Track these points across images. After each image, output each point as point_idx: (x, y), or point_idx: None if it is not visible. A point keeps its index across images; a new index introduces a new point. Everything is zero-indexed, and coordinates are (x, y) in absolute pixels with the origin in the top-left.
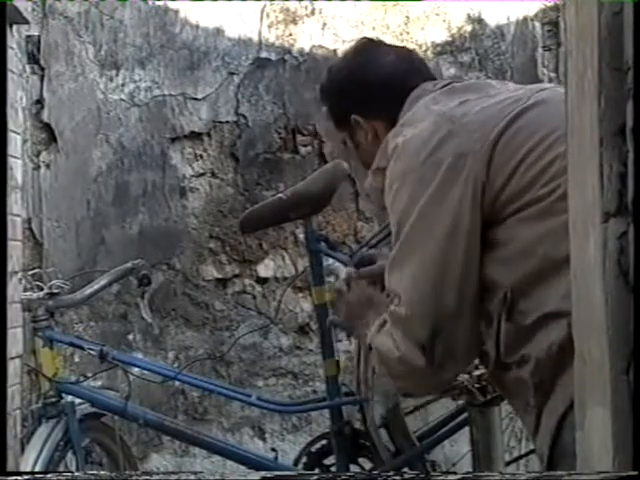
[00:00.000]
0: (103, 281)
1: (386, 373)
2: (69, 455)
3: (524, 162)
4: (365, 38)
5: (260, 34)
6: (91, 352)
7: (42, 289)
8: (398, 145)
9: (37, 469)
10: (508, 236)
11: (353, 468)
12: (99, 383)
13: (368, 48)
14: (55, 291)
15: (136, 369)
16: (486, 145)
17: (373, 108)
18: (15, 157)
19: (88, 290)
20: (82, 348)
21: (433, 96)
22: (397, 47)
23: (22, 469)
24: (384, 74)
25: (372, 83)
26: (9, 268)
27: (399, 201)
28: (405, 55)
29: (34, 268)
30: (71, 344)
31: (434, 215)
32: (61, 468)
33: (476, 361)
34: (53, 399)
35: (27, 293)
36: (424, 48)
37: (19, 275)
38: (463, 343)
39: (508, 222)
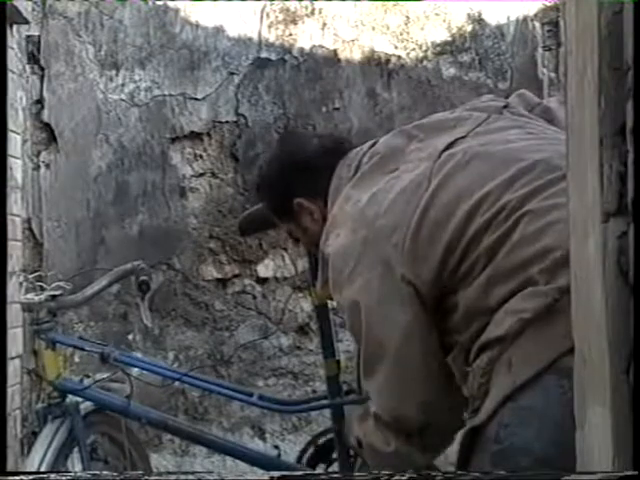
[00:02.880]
0: (103, 282)
1: (380, 465)
2: (74, 454)
3: (453, 240)
4: (286, 130)
5: (260, 34)
6: (93, 354)
7: (43, 290)
8: (329, 255)
9: (43, 470)
10: (454, 304)
11: None
12: (104, 375)
13: (291, 137)
14: (56, 293)
15: (137, 369)
16: (406, 246)
17: (311, 188)
18: (15, 157)
19: (89, 291)
20: (84, 350)
21: (346, 193)
22: (317, 133)
23: (28, 470)
24: (312, 153)
25: (304, 165)
26: (9, 268)
27: (349, 308)
28: (327, 136)
29: (34, 268)
30: (73, 346)
31: (381, 327)
32: (65, 468)
33: None
34: (57, 400)
35: (29, 295)
36: (424, 48)
37: (20, 276)
38: (449, 418)
39: (454, 295)
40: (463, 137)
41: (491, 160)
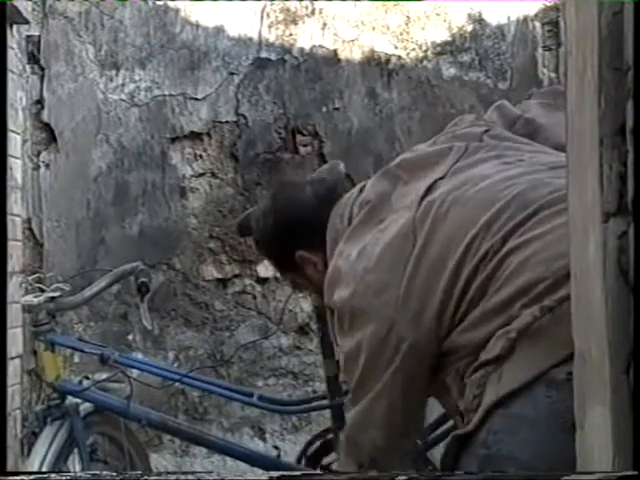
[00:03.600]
0: (103, 282)
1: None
2: (74, 455)
3: (446, 295)
4: (279, 182)
5: (260, 34)
6: (92, 356)
7: (43, 291)
8: (335, 307)
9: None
10: (453, 346)
11: None
12: (103, 376)
13: (283, 189)
14: (56, 294)
15: (136, 370)
16: (399, 306)
17: (312, 240)
18: (15, 157)
19: (88, 292)
20: (83, 351)
21: (340, 248)
22: (310, 180)
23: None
24: (308, 206)
25: (301, 219)
26: (9, 268)
27: (347, 358)
28: (319, 182)
29: (34, 268)
30: (72, 348)
31: (371, 379)
32: (65, 469)
33: None
34: (57, 401)
35: (28, 297)
36: (424, 48)
37: (20, 277)
38: (399, 458)
39: (452, 339)
40: (442, 178)
41: (468, 205)
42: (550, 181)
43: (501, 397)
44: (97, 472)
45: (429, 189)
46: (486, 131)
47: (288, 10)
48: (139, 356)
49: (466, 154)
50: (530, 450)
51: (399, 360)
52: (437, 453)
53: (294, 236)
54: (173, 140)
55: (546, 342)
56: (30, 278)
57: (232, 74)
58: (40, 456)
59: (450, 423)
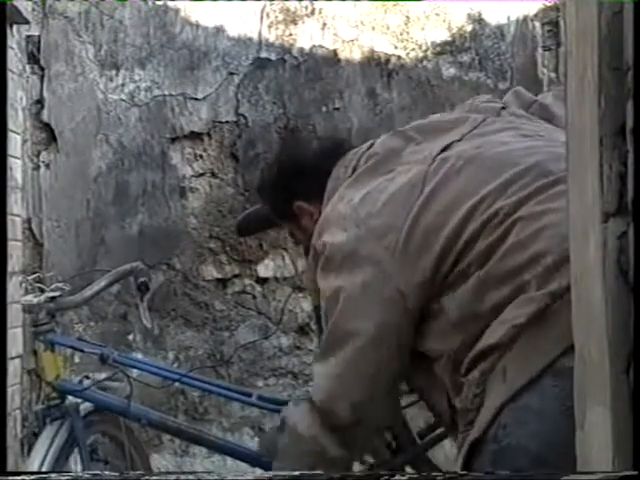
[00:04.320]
0: (103, 282)
1: (289, 450)
2: (74, 454)
3: (446, 245)
4: (287, 132)
5: (260, 34)
6: (92, 355)
7: (43, 291)
8: (320, 250)
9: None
10: (441, 309)
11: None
12: (103, 376)
13: (291, 140)
14: (55, 294)
15: (136, 370)
16: (398, 250)
17: (311, 191)
18: (15, 157)
19: (88, 292)
20: (83, 351)
21: (340, 192)
22: (318, 135)
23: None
24: (312, 156)
25: (303, 168)
26: (9, 268)
27: (330, 294)
28: (327, 138)
29: (34, 268)
30: (72, 347)
31: (354, 318)
32: (66, 469)
33: None
34: (57, 401)
35: (28, 297)
36: (424, 48)
37: (20, 277)
38: (377, 422)
39: (442, 298)
40: (458, 140)
41: (485, 165)
42: None
43: (513, 394)
44: (98, 472)
45: (445, 148)
46: (503, 108)
47: (288, 10)
48: (139, 356)
49: (484, 123)
50: (539, 440)
51: (390, 304)
52: (437, 453)
53: (295, 185)
54: (173, 140)
55: (552, 331)
56: (30, 278)
57: (232, 74)
58: (40, 456)
59: None
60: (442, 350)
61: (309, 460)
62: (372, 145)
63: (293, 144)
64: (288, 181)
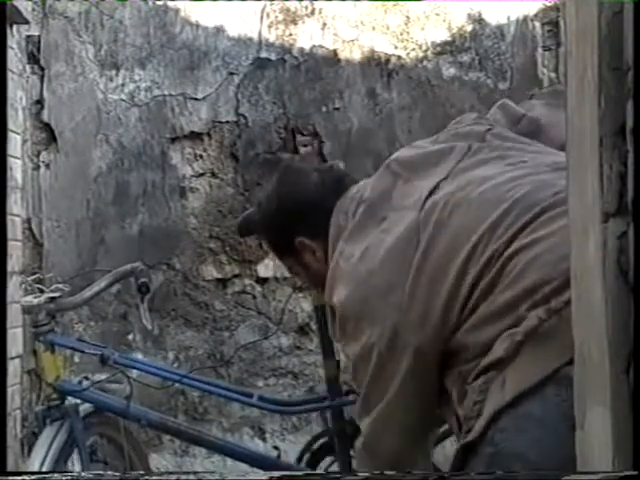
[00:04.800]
0: (103, 283)
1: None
2: (73, 455)
3: (450, 296)
4: (285, 165)
5: (260, 34)
6: (92, 356)
7: (43, 291)
8: (335, 306)
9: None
10: (457, 346)
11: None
12: (103, 376)
13: (290, 173)
14: (56, 294)
15: (136, 371)
16: (404, 307)
17: (313, 227)
18: (15, 157)
19: (88, 292)
20: (83, 352)
21: (341, 247)
22: (317, 167)
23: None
24: (313, 192)
25: (304, 204)
26: (9, 268)
27: (356, 361)
28: (326, 171)
29: (34, 268)
30: (72, 348)
31: (382, 383)
32: (66, 469)
33: None
34: (56, 401)
35: (28, 297)
36: (424, 48)
37: (19, 277)
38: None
39: (454, 338)
40: (445, 178)
41: (471, 208)
42: (554, 182)
43: (508, 401)
44: (100, 472)
45: (432, 190)
46: (488, 130)
47: (288, 10)
48: (139, 356)
49: (469, 154)
50: (538, 449)
51: (408, 362)
52: (437, 453)
53: (296, 221)
54: (173, 140)
55: (554, 343)
56: (30, 278)
57: (232, 74)
58: (40, 456)
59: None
60: (455, 371)
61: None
62: (366, 186)
63: (292, 178)
64: (290, 217)
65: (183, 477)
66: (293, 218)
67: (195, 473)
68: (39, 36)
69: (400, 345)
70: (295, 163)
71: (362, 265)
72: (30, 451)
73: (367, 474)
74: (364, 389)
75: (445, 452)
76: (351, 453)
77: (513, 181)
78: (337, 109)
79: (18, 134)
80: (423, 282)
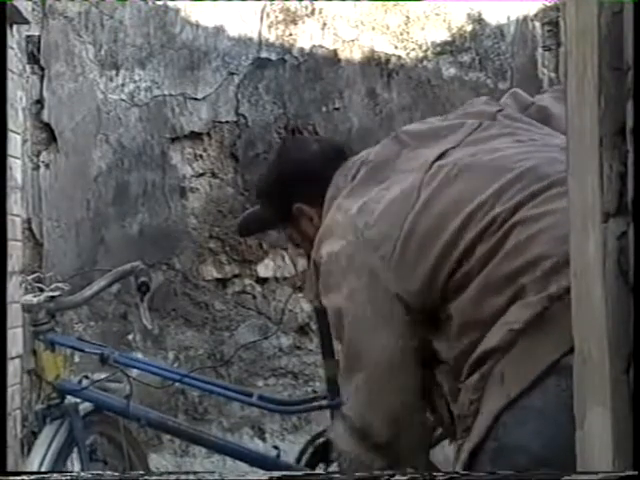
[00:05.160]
0: (102, 282)
1: (349, 468)
2: (73, 454)
3: (444, 253)
4: (287, 134)
5: (260, 34)
6: (92, 355)
7: (42, 291)
8: (320, 263)
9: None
10: (448, 317)
11: None
12: (103, 375)
13: (292, 142)
14: (55, 294)
15: (136, 370)
16: (394, 258)
17: (311, 194)
18: (15, 157)
19: (88, 292)
20: (83, 351)
21: (338, 203)
22: (318, 138)
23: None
24: (313, 159)
25: (304, 171)
26: (9, 268)
27: (334, 313)
28: (327, 141)
29: (34, 268)
30: (72, 347)
31: (362, 341)
32: (65, 469)
33: None
34: (56, 401)
35: (28, 297)
36: (424, 48)
37: (19, 277)
38: (420, 436)
39: (448, 306)
40: (453, 147)
41: (480, 172)
42: (564, 161)
43: (512, 398)
44: (100, 472)
45: (441, 155)
46: (499, 111)
47: (288, 10)
48: (139, 356)
49: (479, 129)
50: (540, 440)
51: (391, 316)
52: (437, 454)
53: (295, 187)
54: (173, 140)
55: (553, 333)
56: (30, 278)
57: (232, 74)
58: (40, 456)
59: None
60: (446, 358)
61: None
62: (369, 153)
63: (293, 146)
64: (289, 183)
65: (183, 477)
66: (292, 184)
67: (195, 473)
68: (39, 36)
69: (385, 296)
70: (297, 134)
71: (359, 218)
72: (30, 451)
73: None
74: (345, 346)
75: (445, 452)
76: None
77: (524, 154)
78: (337, 109)
79: (18, 134)
80: (417, 236)
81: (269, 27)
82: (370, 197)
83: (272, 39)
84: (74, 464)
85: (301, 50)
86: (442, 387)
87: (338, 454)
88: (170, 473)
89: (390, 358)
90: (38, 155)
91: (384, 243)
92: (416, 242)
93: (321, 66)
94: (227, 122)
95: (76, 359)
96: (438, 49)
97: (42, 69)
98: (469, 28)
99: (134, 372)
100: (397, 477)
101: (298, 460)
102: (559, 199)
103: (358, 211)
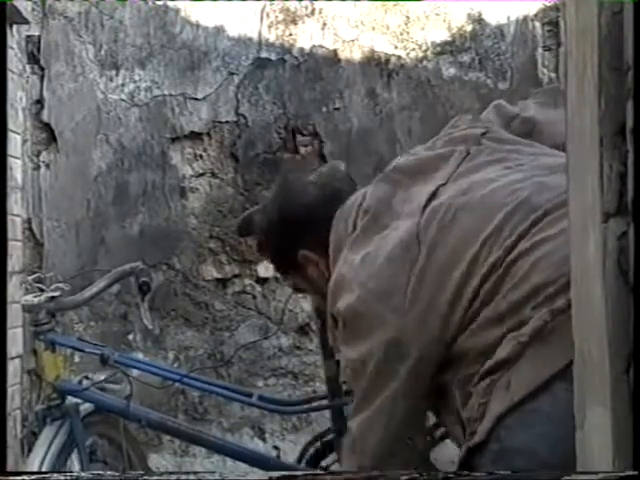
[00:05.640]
0: (103, 282)
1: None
2: (73, 455)
3: (454, 300)
4: (282, 176)
5: (260, 34)
6: (92, 356)
7: (43, 291)
8: (337, 317)
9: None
10: (460, 350)
11: None
12: (103, 376)
13: (287, 187)
14: (56, 294)
15: (136, 370)
16: (404, 311)
17: (314, 239)
18: (15, 157)
19: (88, 292)
20: (83, 351)
21: (344, 255)
22: (314, 180)
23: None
24: (313, 205)
25: (306, 217)
26: (9, 268)
27: (352, 368)
28: (324, 185)
29: (34, 268)
30: (73, 347)
31: (377, 388)
32: (65, 469)
33: None
34: (56, 401)
35: (28, 297)
36: (424, 48)
37: (20, 277)
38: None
39: (457, 342)
40: (444, 184)
41: (475, 213)
42: (554, 185)
43: (516, 401)
44: (100, 472)
45: (432, 196)
46: (484, 133)
47: (288, 10)
48: (139, 356)
49: (467, 159)
50: (546, 443)
51: (406, 367)
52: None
53: (298, 235)
54: (173, 140)
55: (560, 342)
56: (30, 277)
57: (232, 74)
58: (40, 456)
59: None
60: (458, 375)
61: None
62: (365, 194)
63: (291, 192)
64: (292, 232)
65: (183, 477)
66: (295, 232)
67: (195, 473)
68: (39, 36)
69: (400, 350)
70: (290, 176)
71: (362, 270)
72: (30, 451)
73: (368, 473)
74: (360, 393)
75: (445, 452)
76: None
77: (514, 184)
78: (337, 109)
79: (18, 134)
80: (426, 285)
81: (269, 27)
82: (372, 247)
83: (272, 39)
84: (74, 464)
85: (301, 50)
86: (453, 396)
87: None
88: (171, 473)
89: (397, 404)
90: (38, 155)
91: (390, 295)
92: (426, 294)
93: (321, 66)
94: (227, 122)
95: (76, 359)
96: (438, 49)
97: (42, 69)
98: (469, 28)
99: (134, 372)
100: (401, 477)
101: (299, 461)
102: (553, 225)
103: (361, 262)
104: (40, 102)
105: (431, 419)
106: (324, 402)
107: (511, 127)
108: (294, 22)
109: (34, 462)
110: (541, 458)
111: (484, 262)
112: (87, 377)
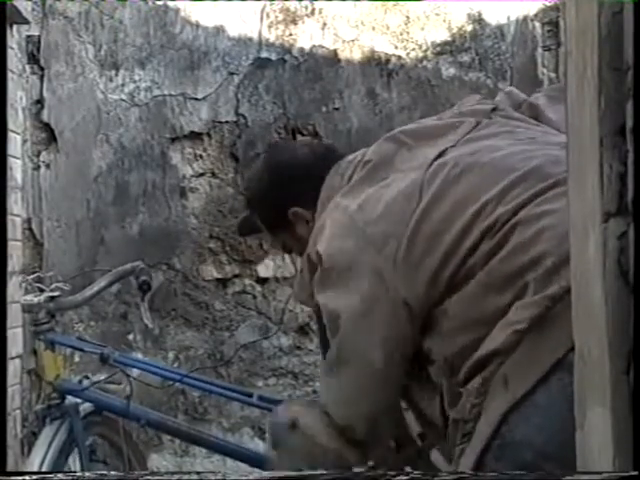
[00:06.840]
0: (103, 282)
1: (308, 456)
2: (73, 454)
3: (449, 252)
4: (274, 140)
5: (260, 34)
6: (92, 355)
7: (43, 291)
8: (316, 260)
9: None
10: (444, 312)
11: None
12: (103, 376)
13: (280, 147)
14: (55, 294)
15: (136, 370)
16: (399, 259)
17: (305, 196)
18: (15, 157)
19: (88, 292)
20: (83, 351)
21: (336, 201)
22: (306, 141)
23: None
24: (305, 161)
25: (296, 173)
26: (9, 268)
27: (330, 311)
28: (316, 144)
29: (34, 268)
30: (72, 347)
31: (359, 338)
32: (65, 468)
33: None
34: (56, 401)
35: (28, 297)
36: (424, 48)
37: (20, 277)
38: (393, 432)
39: (445, 302)
40: (453, 146)
41: (483, 172)
42: (565, 160)
43: (518, 400)
44: (103, 472)
45: (440, 154)
46: (494, 109)
47: (288, 10)
48: (139, 356)
49: (477, 127)
50: (544, 435)
51: (391, 319)
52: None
53: (290, 191)
54: (173, 140)
55: (556, 333)
56: (30, 278)
57: (232, 74)
58: (40, 456)
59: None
60: (441, 353)
61: (320, 464)
62: (365, 153)
63: (283, 150)
64: (283, 188)
65: (185, 477)
66: (286, 188)
67: (198, 473)
68: (39, 36)
69: (387, 296)
70: (281, 141)
71: (358, 216)
72: (30, 451)
73: (368, 473)
74: (337, 342)
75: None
76: None
77: (525, 153)
78: (337, 109)
79: (18, 134)
80: (422, 236)
81: (269, 27)
82: (369, 195)
83: (272, 39)
84: (76, 464)
85: (301, 50)
86: (437, 386)
87: (302, 441)
88: (172, 473)
89: (384, 361)
90: (38, 155)
91: (387, 243)
92: (422, 241)
93: (321, 66)
94: (227, 122)
95: (76, 359)
96: (438, 49)
97: (42, 69)
98: (469, 28)
99: (134, 372)
100: (397, 477)
101: None
102: (561, 198)
103: (357, 209)
104: (40, 102)
105: (415, 429)
106: None
107: (519, 111)
108: (294, 22)
109: (34, 462)
110: (539, 449)
111: (483, 221)
112: (87, 377)
